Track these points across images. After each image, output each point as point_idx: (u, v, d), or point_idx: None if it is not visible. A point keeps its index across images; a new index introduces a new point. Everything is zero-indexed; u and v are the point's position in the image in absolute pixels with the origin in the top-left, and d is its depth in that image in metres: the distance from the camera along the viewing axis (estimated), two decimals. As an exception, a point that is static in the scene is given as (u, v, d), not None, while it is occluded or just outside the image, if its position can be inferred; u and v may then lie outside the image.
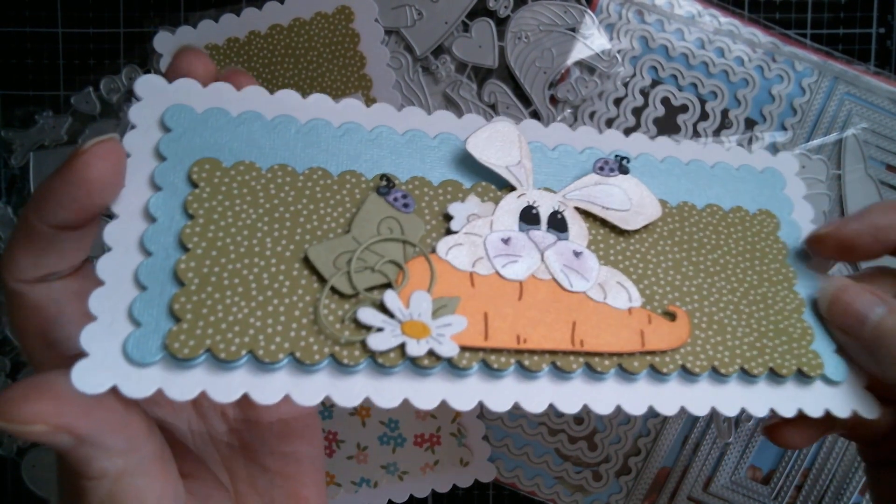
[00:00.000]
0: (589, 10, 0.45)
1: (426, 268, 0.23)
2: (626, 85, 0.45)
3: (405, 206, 0.24)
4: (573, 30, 0.45)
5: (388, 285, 0.23)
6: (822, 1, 0.46)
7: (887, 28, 0.46)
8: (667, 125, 0.45)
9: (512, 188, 0.26)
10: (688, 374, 0.24)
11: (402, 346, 0.22)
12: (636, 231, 0.27)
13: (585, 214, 0.26)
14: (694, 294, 0.26)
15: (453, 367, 0.22)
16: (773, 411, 0.24)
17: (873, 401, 0.25)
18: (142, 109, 0.23)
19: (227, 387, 0.20)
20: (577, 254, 0.25)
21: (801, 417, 0.25)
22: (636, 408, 0.23)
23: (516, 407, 0.22)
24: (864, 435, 0.28)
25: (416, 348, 0.22)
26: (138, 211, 0.22)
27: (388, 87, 0.44)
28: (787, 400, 0.25)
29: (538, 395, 0.23)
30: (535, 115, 0.45)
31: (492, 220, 0.25)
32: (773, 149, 0.44)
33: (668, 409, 0.24)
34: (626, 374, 0.24)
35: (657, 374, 0.24)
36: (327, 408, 0.44)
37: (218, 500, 0.26)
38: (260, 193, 0.23)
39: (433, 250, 0.24)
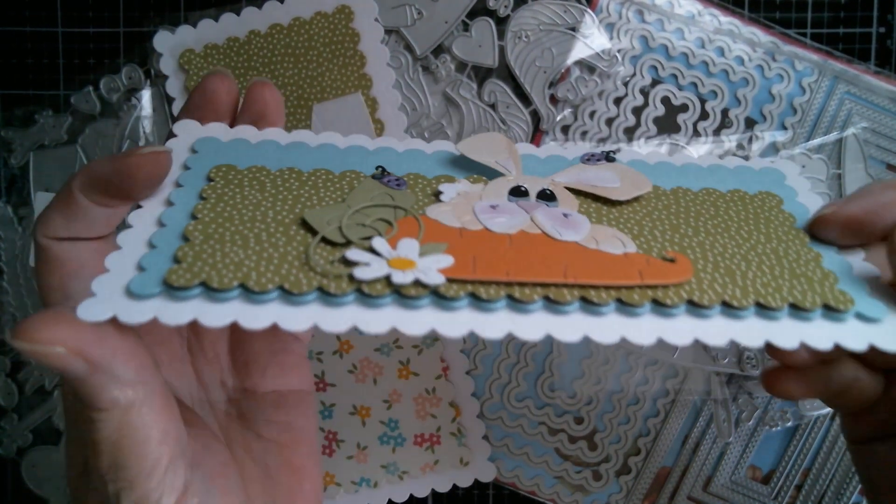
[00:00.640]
0: (589, 10, 0.45)
1: (415, 224, 0.24)
2: (626, 84, 0.45)
3: (398, 185, 0.26)
4: (573, 29, 0.45)
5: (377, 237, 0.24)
6: (823, 0, 0.46)
7: (887, 27, 0.46)
8: (667, 124, 0.45)
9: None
10: (696, 308, 0.23)
11: (388, 278, 0.22)
12: (629, 203, 0.26)
13: (576, 193, 0.27)
14: (696, 248, 0.25)
15: (441, 299, 0.22)
16: (803, 345, 0.22)
17: None
18: (176, 143, 0.27)
19: (218, 314, 0.21)
20: (566, 215, 0.25)
21: (804, 368, 0.25)
22: (643, 338, 0.22)
23: (510, 336, 0.22)
24: (852, 400, 0.27)
25: (401, 277, 0.22)
26: (160, 201, 0.25)
27: (389, 86, 0.44)
28: (820, 335, 0.22)
29: (532, 325, 0.22)
30: (535, 114, 0.45)
31: (481, 194, 0.26)
32: (774, 148, 0.44)
33: (679, 339, 0.22)
34: (628, 307, 0.22)
35: (661, 307, 0.22)
36: (327, 407, 0.44)
37: (216, 450, 0.28)
38: (268, 184, 0.26)
39: (423, 213, 0.25)
